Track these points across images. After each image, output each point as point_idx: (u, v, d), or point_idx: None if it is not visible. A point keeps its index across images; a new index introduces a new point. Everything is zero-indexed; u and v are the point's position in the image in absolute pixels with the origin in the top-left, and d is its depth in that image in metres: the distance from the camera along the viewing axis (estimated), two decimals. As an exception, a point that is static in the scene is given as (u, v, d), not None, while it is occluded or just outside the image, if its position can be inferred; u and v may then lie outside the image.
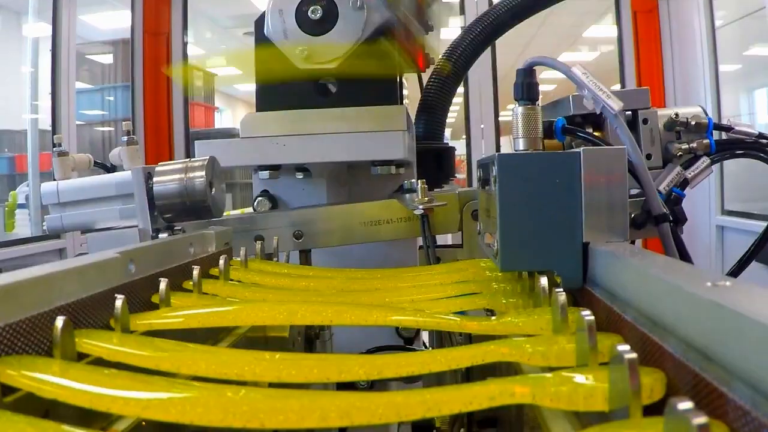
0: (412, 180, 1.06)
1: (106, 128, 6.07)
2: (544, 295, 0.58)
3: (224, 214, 1.11)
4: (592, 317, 0.44)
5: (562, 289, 0.51)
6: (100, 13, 6.15)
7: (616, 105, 0.71)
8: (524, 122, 0.71)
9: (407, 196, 1.06)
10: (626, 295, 0.50)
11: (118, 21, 5.27)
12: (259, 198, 1.34)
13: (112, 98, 6.03)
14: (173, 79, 5.08)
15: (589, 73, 0.72)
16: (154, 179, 0.98)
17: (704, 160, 1.12)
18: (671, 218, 0.75)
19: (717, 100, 4.35)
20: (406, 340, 1.37)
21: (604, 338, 0.46)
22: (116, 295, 0.58)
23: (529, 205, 0.60)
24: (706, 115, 1.16)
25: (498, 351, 0.46)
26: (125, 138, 1.24)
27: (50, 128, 4.23)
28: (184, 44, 5.09)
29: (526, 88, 0.72)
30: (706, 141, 1.13)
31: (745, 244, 1.11)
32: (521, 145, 0.72)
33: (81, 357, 0.51)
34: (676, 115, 1.12)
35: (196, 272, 0.74)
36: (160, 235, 1.01)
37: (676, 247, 0.76)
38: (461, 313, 0.61)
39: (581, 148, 0.58)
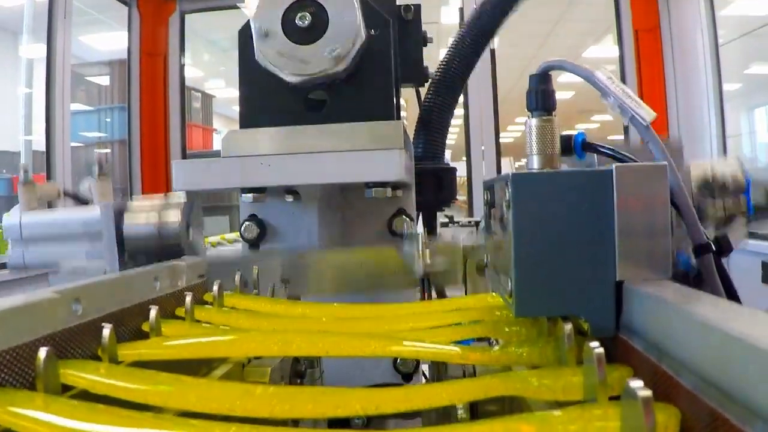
0: (415, 231, 0.96)
1: (104, 150, 6.03)
2: (569, 345, 0.47)
3: (205, 242, 1.01)
4: (601, 349, 0.41)
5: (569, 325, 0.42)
6: (99, 33, 6.13)
7: (647, 115, 0.61)
8: (539, 136, 0.61)
9: (405, 248, 0.95)
10: (679, 351, 0.40)
11: (117, 42, 5.22)
12: (247, 223, 1.24)
13: (109, 119, 5.99)
14: (170, 100, 5.04)
15: (614, 78, 0.62)
16: (125, 218, 0.89)
17: (740, 221, 1.01)
18: (715, 248, 0.65)
19: (721, 120, 4.30)
20: (405, 376, 1.27)
21: (612, 370, 0.44)
22: (103, 324, 0.55)
23: (550, 234, 0.49)
24: (744, 171, 1.05)
25: (502, 385, 0.45)
26: (96, 169, 1.14)
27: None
28: (182, 65, 5.06)
29: (541, 96, 0.62)
30: (743, 200, 1.02)
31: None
32: (535, 163, 0.62)
33: (67, 389, 0.49)
34: (713, 178, 1.02)
35: (188, 299, 0.68)
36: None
37: (721, 281, 0.65)
38: (463, 342, 0.59)
39: (613, 165, 0.48)
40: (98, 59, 6.07)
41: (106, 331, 0.55)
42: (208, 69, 9.03)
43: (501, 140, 4.78)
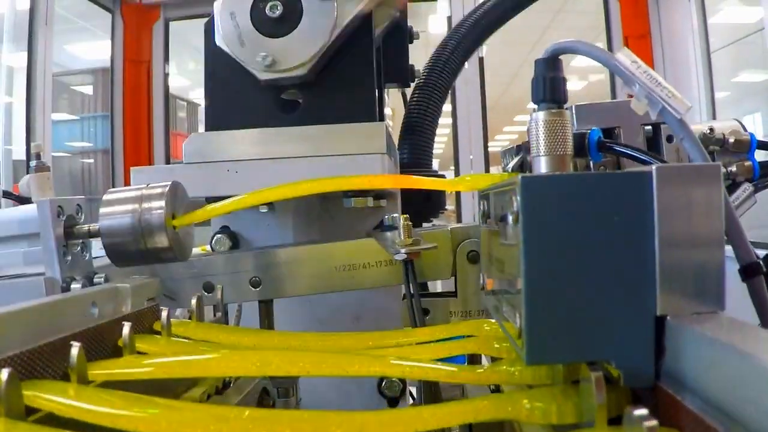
0: (394, 215, 0.85)
1: (88, 160, 5.94)
2: (600, 402, 0.36)
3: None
4: (600, 372, 0.38)
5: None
6: (85, 42, 6.04)
7: (682, 106, 0.49)
8: (548, 133, 0.50)
9: (388, 234, 0.84)
10: (748, 413, 0.29)
11: (102, 50, 5.12)
12: (218, 236, 1.13)
13: (93, 128, 5.89)
14: (154, 108, 4.97)
15: (640, 62, 0.51)
16: (101, 211, 0.77)
17: (746, 188, 0.90)
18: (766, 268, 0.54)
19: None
20: (390, 400, 1.16)
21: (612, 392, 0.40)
22: (72, 342, 0.51)
23: (571, 256, 0.38)
24: (746, 130, 0.95)
25: (492, 408, 0.43)
26: (34, 163, 1.02)
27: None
28: (166, 73, 4.99)
29: (549, 84, 0.51)
30: (747, 163, 0.92)
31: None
32: (543, 166, 0.50)
33: (31, 411, 0.46)
34: (711, 130, 0.91)
35: (126, 330, 0.59)
36: (72, 286, 0.79)
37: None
38: (452, 359, 0.56)
39: (654, 165, 0.37)
40: (83, 68, 5.98)
41: (75, 350, 0.51)
42: (194, 78, 8.91)
43: (489, 149, 4.76)
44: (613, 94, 4.72)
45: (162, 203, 0.74)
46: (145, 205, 0.75)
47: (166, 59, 5.00)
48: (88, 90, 5.99)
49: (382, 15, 1.08)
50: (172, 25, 4.99)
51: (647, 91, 0.50)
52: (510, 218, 0.40)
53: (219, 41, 0.97)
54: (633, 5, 4.57)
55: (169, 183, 0.77)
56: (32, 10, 4.13)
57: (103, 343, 0.60)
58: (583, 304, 0.38)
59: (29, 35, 4.13)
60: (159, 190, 0.76)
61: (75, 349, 0.51)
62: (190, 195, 0.96)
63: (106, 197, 0.78)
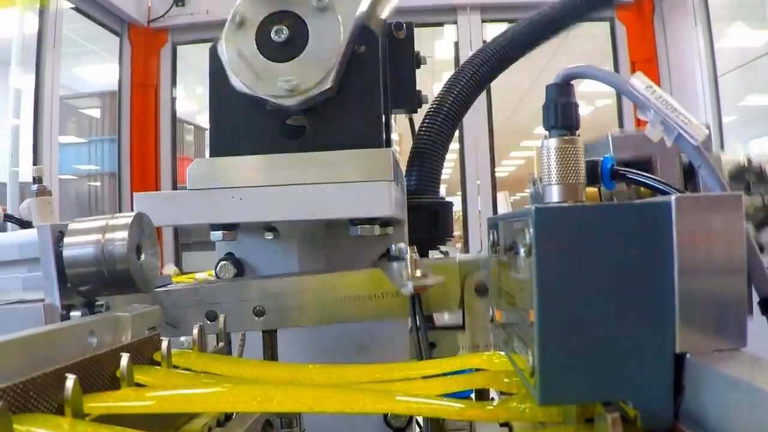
0: (401, 245, 0.83)
1: (95, 183, 5.95)
2: (616, 446, 0.34)
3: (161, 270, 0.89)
4: (617, 413, 0.36)
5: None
6: (93, 65, 6.08)
7: (699, 133, 0.48)
8: (559, 161, 0.48)
9: (395, 266, 0.82)
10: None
11: (110, 73, 5.15)
12: (222, 262, 1.11)
13: (100, 152, 5.91)
14: (161, 131, 4.98)
15: (655, 87, 0.49)
16: (65, 240, 0.75)
17: None
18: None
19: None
20: (397, 430, 1.14)
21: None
22: (68, 375, 0.49)
23: (586, 291, 0.36)
24: None
25: None
26: (35, 187, 1.00)
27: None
28: (173, 97, 5.01)
29: (561, 110, 0.49)
30: None
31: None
32: (555, 195, 0.49)
33: None
34: (749, 161, 0.90)
35: (165, 343, 0.61)
36: (72, 314, 0.77)
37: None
38: (460, 394, 0.55)
39: (673, 196, 0.35)
40: (92, 91, 6.00)
41: (70, 382, 0.49)
42: (202, 102, 8.95)
43: (496, 174, 4.75)
44: (621, 120, 4.72)
45: (125, 234, 0.73)
46: (108, 235, 0.74)
47: (174, 83, 5.03)
48: (96, 113, 6.02)
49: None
50: (180, 49, 5.02)
51: (662, 117, 0.48)
52: (522, 250, 0.38)
53: (235, 83, 0.96)
54: (640, 30, 4.58)
55: (134, 214, 0.76)
56: (40, 33, 4.15)
57: (101, 374, 0.58)
58: (599, 341, 0.36)
59: (37, 58, 4.15)
60: (123, 221, 0.74)
61: (70, 381, 0.49)
62: (193, 221, 0.94)
63: (71, 227, 0.77)
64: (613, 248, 0.36)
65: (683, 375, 0.36)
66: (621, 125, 4.68)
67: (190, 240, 5.26)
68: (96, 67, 6.16)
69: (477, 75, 1.28)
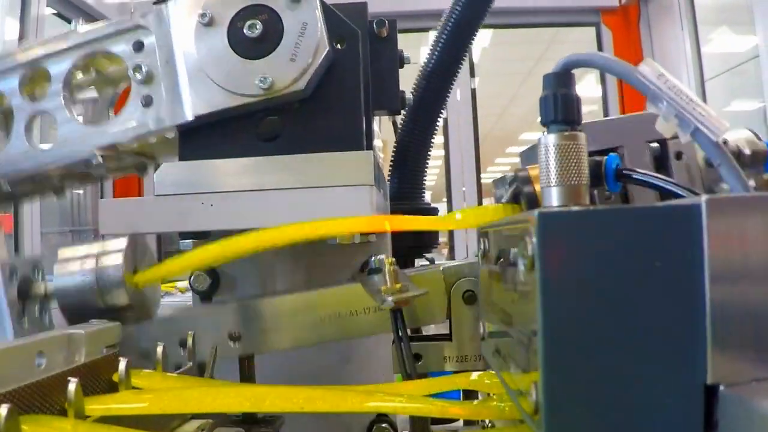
0: (380, 257, 0.77)
1: (77, 191, 5.88)
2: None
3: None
4: None
5: None
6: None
7: (719, 127, 0.42)
8: (560, 160, 0.42)
9: (375, 279, 0.77)
10: None
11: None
12: (197, 273, 1.05)
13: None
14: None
15: (667, 75, 0.43)
16: (55, 270, 0.72)
17: None
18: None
19: (709, 158, 4.20)
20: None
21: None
22: (70, 378, 0.51)
23: (601, 312, 0.30)
24: (760, 139, 0.88)
25: None
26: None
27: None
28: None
29: (562, 102, 0.43)
30: (766, 176, 0.85)
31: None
32: (555, 198, 0.43)
33: None
34: (725, 142, 0.84)
35: (72, 386, 0.52)
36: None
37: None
38: (443, 395, 0.54)
39: (702, 197, 0.29)
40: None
41: (72, 385, 0.50)
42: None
43: (482, 180, 4.74)
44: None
45: (120, 260, 0.68)
46: (102, 263, 0.69)
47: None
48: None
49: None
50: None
51: (677, 110, 0.42)
52: (522, 264, 0.32)
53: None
54: (626, 35, 4.57)
55: (127, 237, 0.71)
56: (21, 39, 4.08)
57: (49, 399, 0.52)
58: (617, 371, 0.30)
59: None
60: (117, 246, 0.70)
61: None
62: (161, 229, 0.89)
63: (60, 255, 0.72)
64: (632, 260, 0.30)
65: (716, 410, 0.30)
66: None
67: (173, 248, 5.19)
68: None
69: (443, 60, 1.20)
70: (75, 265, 0.72)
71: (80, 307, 0.71)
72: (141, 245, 0.74)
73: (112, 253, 0.72)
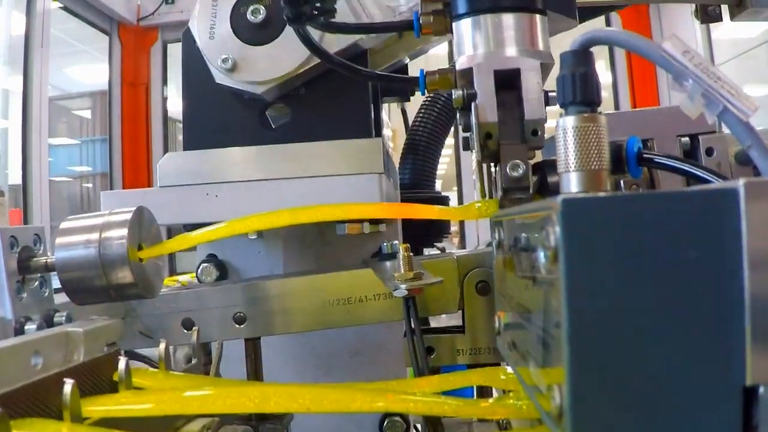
0: (394, 242, 0.75)
1: (87, 184, 5.91)
2: None
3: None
4: None
5: None
6: (84, 65, 6.02)
7: (749, 106, 0.39)
8: (580, 144, 0.40)
9: (387, 265, 0.74)
10: None
11: (102, 73, 5.08)
12: (204, 265, 1.04)
13: (92, 152, 5.86)
14: (153, 130, 4.92)
15: (693, 52, 0.41)
16: (57, 241, 0.68)
17: None
18: None
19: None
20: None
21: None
22: (65, 379, 0.48)
23: (631, 308, 0.28)
24: None
25: None
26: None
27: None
28: (164, 96, 4.95)
29: (580, 82, 0.41)
30: None
31: None
32: (574, 184, 0.40)
33: None
34: None
35: (123, 363, 0.55)
36: (26, 328, 0.70)
37: None
38: (455, 392, 0.54)
39: (740, 181, 0.27)
40: (83, 91, 5.95)
41: (68, 387, 0.47)
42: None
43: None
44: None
45: (124, 232, 0.65)
46: (106, 234, 0.65)
47: (165, 82, 4.96)
48: (87, 114, 5.96)
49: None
50: (171, 47, 4.94)
51: (704, 88, 0.40)
52: (543, 256, 0.30)
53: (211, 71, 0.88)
54: (635, 21, 4.52)
55: (134, 209, 0.67)
56: (28, 33, 4.08)
57: (45, 400, 0.50)
58: (648, 373, 0.28)
59: (25, 58, 4.08)
60: (121, 218, 0.66)
61: (68, 386, 0.47)
62: (165, 222, 0.87)
63: (63, 225, 0.69)
64: (664, 249, 0.27)
65: (755, 414, 0.28)
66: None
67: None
68: (88, 67, 6.09)
69: None
70: (78, 237, 0.68)
71: (81, 282, 0.68)
72: (147, 218, 0.71)
73: (116, 226, 0.68)
